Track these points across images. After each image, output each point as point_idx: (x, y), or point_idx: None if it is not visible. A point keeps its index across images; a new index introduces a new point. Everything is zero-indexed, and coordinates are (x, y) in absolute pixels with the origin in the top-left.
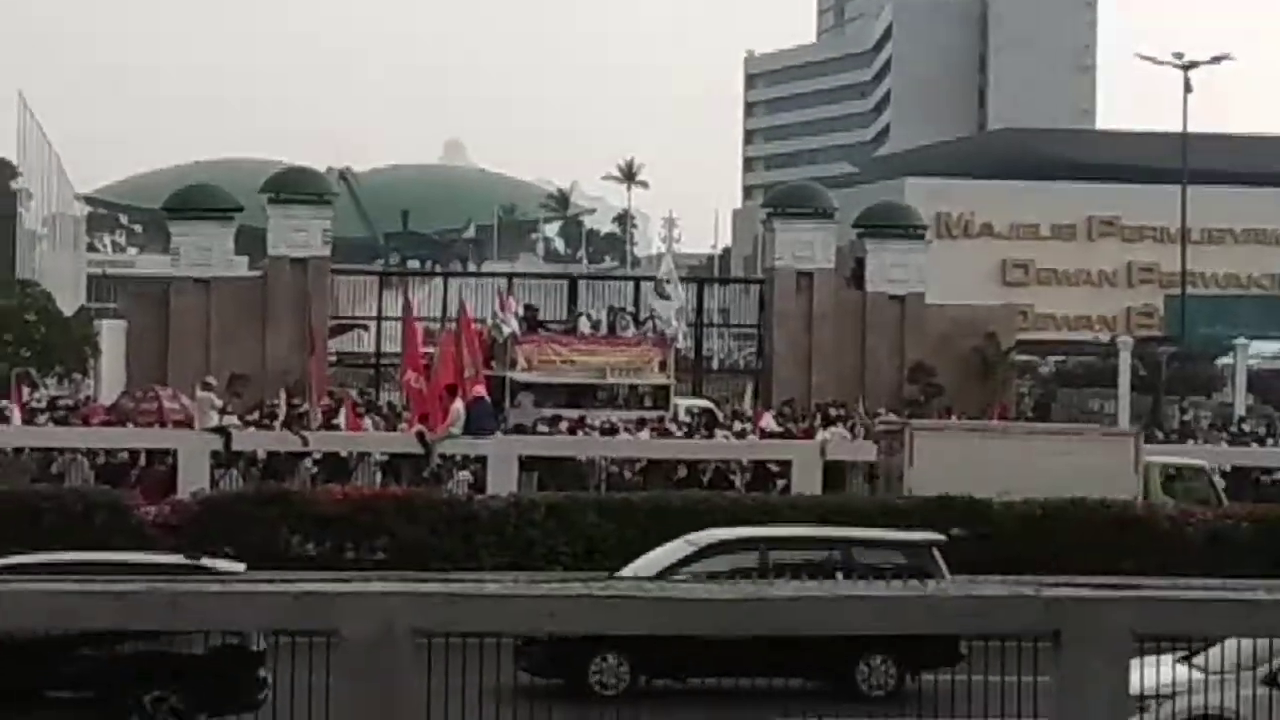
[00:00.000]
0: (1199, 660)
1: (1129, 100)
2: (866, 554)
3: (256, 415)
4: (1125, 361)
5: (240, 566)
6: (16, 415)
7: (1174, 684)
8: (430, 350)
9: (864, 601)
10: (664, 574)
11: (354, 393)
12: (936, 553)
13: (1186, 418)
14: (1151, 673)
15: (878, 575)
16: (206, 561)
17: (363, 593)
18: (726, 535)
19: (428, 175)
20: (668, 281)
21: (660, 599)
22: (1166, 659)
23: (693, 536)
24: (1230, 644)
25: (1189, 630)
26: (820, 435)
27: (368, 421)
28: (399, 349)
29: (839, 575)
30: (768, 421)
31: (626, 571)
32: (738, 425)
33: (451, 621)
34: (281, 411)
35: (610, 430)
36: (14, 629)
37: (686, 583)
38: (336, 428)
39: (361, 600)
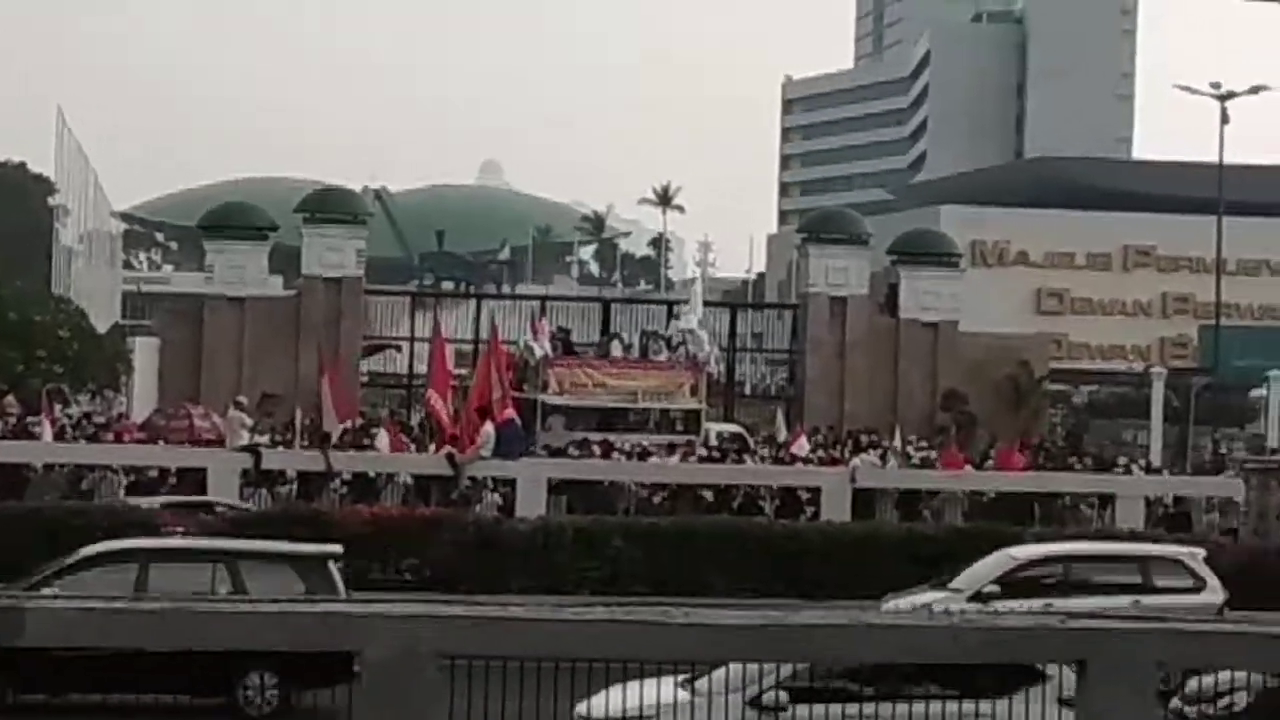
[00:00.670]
0: (700, 683)
1: (1167, 130)
2: (257, 570)
3: (289, 435)
4: (1158, 392)
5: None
6: (47, 431)
7: (659, 705)
8: (459, 372)
9: (889, 631)
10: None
11: (382, 411)
12: (333, 567)
13: (1222, 450)
14: (650, 692)
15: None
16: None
17: (386, 614)
18: (105, 548)
19: (464, 196)
20: (686, 303)
21: (683, 626)
22: (669, 680)
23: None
24: (734, 668)
25: (1214, 662)
26: (851, 462)
27: (412, 445)
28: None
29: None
30: (802, 445)
31: None
32: (768, 451)
33: (475, 645)
34: (298, 431)
35: (640, 454)
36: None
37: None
38: (365, 447)
39: (385, 622)
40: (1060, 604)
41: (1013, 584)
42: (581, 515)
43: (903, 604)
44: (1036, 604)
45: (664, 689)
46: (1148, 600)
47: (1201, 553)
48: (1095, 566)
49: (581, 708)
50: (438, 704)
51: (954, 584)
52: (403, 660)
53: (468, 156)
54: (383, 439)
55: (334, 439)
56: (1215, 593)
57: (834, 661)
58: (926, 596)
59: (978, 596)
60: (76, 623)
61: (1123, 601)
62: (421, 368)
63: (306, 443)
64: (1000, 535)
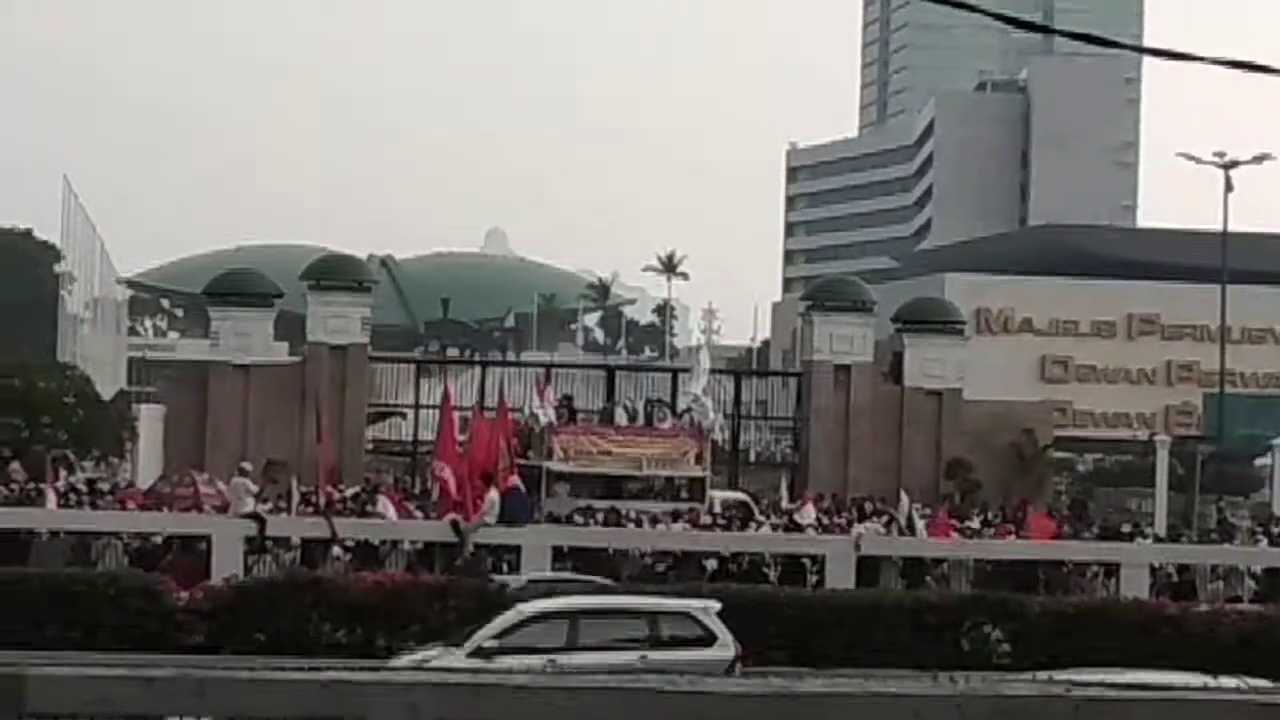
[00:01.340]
0: None
1: (1171, 197)
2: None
3: (291, 501)
4: (1163, 460)
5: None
6: (51, 498)
7: None
8: (464, 439)
9: (896, 701)
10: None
11: (386, 478)
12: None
13: (1227, 517)
14: None
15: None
16: None
17: (388, 682)
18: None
19: (469, 263)
20: (690, 370)
21: (688, 693)
22: None
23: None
24: None
25: None
26: (855, 530)
27: (418, 512)
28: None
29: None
30: (809, 513)
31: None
32: (773, 518)
33: (478, 712)
34: (295, 498)
35: (649, 521)
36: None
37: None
38: (369, 514)
39: (388, 690)
40: (566, 659)
41: (520, 639)
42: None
43: (403, 660)
44: (538, 660)
45: None
46: (655, 655)
47: (715, 606)
48: (604, 621)
49: None
50: None
51: (468, 641)
52: None
53: (473, 225)
54: (386, 506)
55: (332, 504)
56: (726, 648)
57: None
58: (431, 652)
59: (478, 652)
60: (79, 691)
61: (630, 656)
62: (425, 434)
63: (308, 509)
64: (1005, 603)
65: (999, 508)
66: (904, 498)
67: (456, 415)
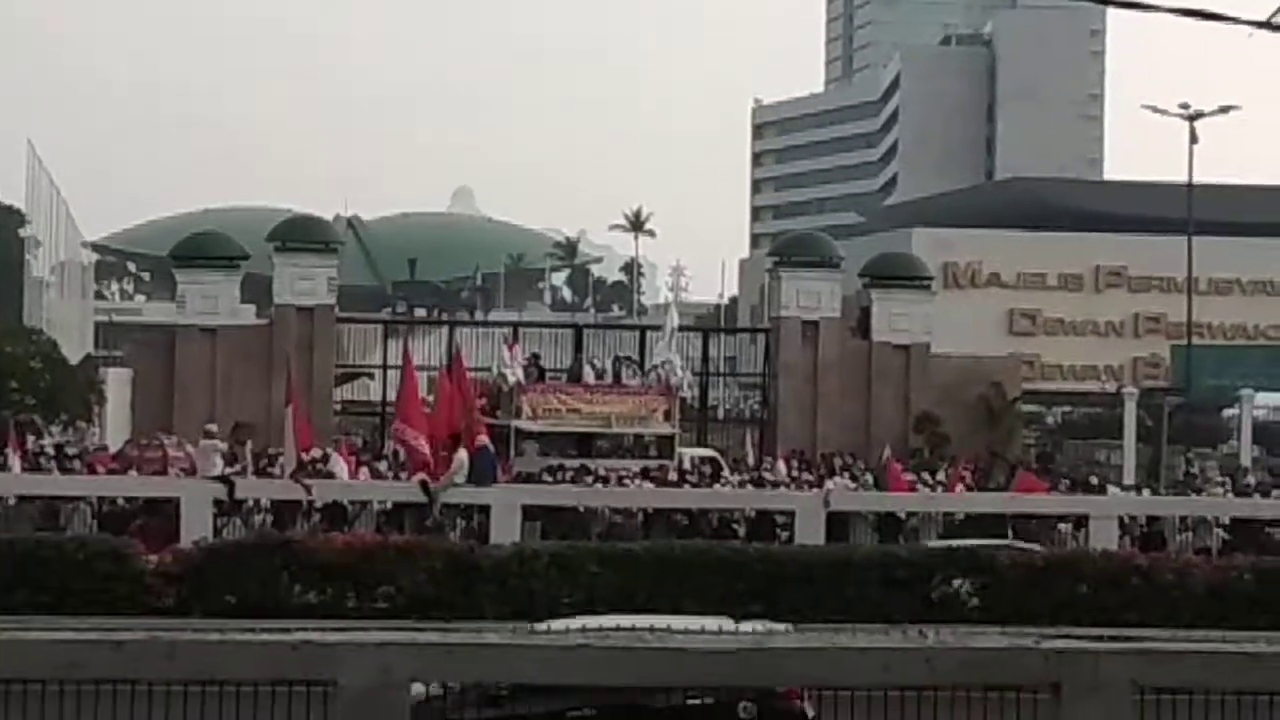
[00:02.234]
0: None
1: (1137, 150)
2: None
3: (258, 464)
4: (1131, 412)
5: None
6: (16, 463)
7: None
8: (430, 398)
9: (865, 654)
10: None
11: (355, 439)
12: None
13: (1193, 469)
14: None
15: None
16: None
17: (361, 643)
18: None
19: (436, 223)
20: (669, 334)
21: (660, 649)
22: None
23: None
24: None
25: (1191, 682)
26: (825, 485)
27: (365, 470)
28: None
29: None
30: (780, 470)
31: None
32: (742, 474)
33: (449, 672)
34: (249, 461)
35: (616, 480)
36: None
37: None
38: (330, 475)
39: (360, 650)
40: None
41: None
42: (556, 541)
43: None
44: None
45: None
46: None
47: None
48: None
49: None
50: None
51: None
52: (377, 688)
53: (439, 184)
54: (338, 465)
55: (303, 466)
56: None
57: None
58: None
59: None
60: (48, 655)
61: None
62: (394, 395)
63: (273, 469)
64: (975, 556)
65: (966, 461)
66: (887, 451)
67: (418, 375)
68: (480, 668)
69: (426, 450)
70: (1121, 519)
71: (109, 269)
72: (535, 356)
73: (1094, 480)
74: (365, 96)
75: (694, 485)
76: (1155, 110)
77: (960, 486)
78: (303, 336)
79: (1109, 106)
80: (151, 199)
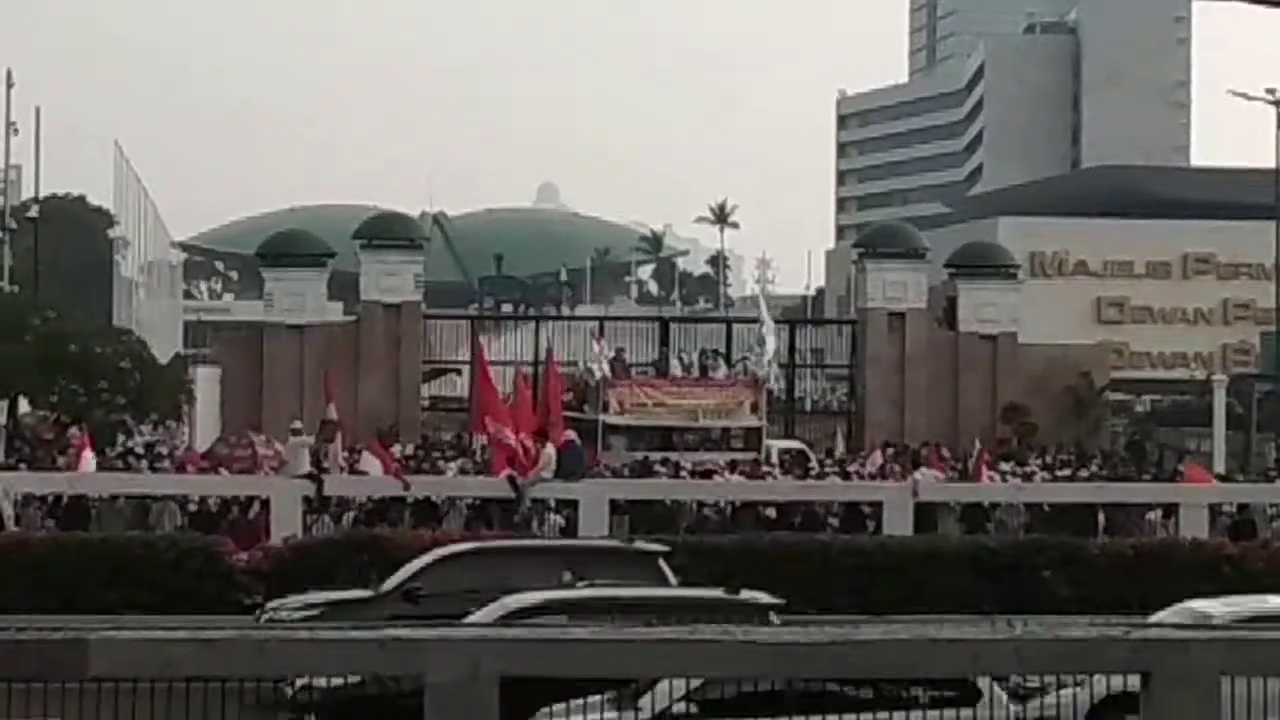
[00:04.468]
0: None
1: (1224, 136)
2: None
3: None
4: (1220, 399)
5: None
6: (90, 463)
7: None
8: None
9: (954, 645)
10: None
11: (443, 434)
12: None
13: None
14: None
15: None
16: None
17: (449, 638)
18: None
19: (521, 219)
20: (763, 324)
21: (748, 642)
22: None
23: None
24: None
25: (1276, 670)
26: (913, 476)
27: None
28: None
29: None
30: (875, 460)
31: None
32: (831, 466)
33: (537, 666)
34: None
35: (702, 473)
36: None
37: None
38: (362, 474)
39: (448, 646)
40: None
41: None
42: (644, 535)
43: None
44: None
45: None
46: None
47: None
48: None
49: None
50: None
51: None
52: (466, 683)
53: (525, 180)
54: (370, 461)
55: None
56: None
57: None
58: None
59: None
60: (141, 654)
61: None
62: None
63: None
64: (1064, 546)
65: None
66: (977, 445)
67: (501, 370)
68: (567, 662)
69: (514, 442)
70: (1212, 507)
71: (197, 268)
72: (621, 351)
73: (1181, 469)
74: (451, 93)
75: (782, 477)
76: (1241, 96)
77: (985, 476)
78: (390, 333)
79: (1195, 93)
80: (238, 198)
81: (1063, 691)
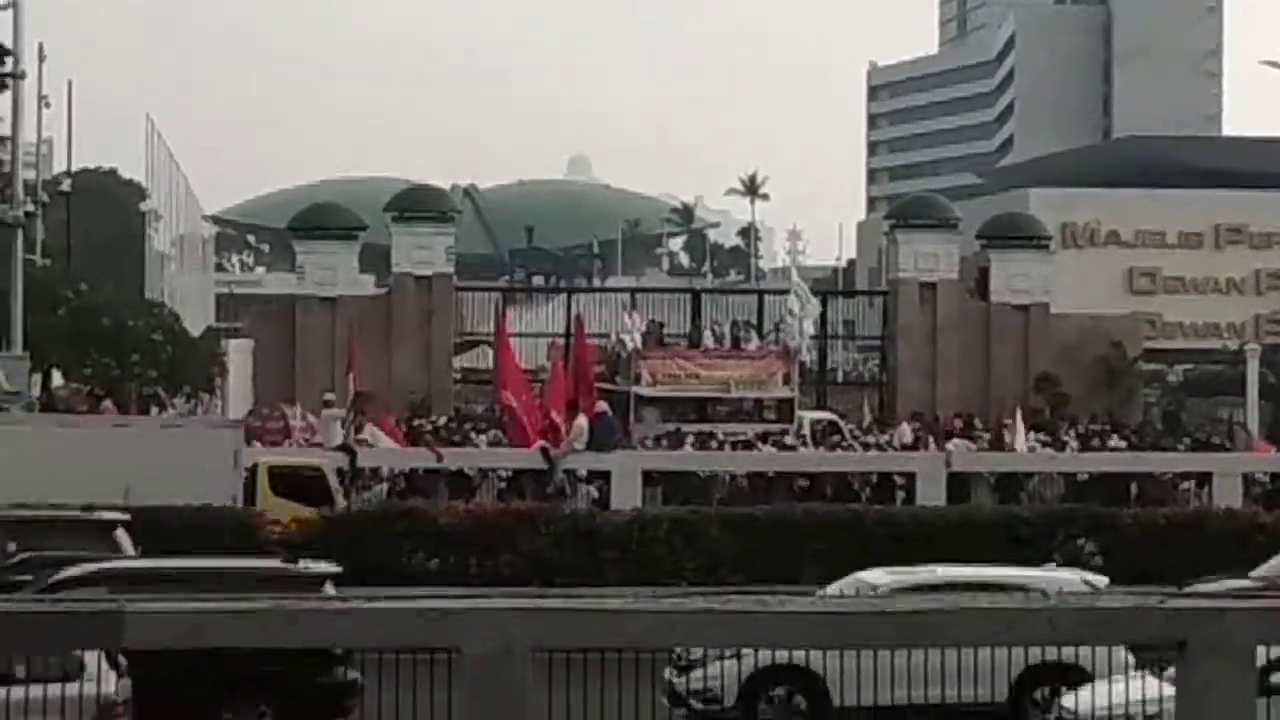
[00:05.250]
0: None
1: (1256, 106)
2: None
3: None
4: (1253, 369)
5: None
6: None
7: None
8: (530, 367)
9: (992, 614)
10: None
11: (475, 407)
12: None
13: None
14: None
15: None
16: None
17: (483, 609)
18: None
19: (552, 191)
20: (797, 295)
21: (778, 614)
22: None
23: None
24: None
25: None
26: (946, 446)
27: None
28: (526, 365)
29: None
30: (905, 432)
31: None
32: (863, 437)
33: (570, 637)
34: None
35: (742, 445)
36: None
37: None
38: (363, 443)
39: (482, 616)
40: None
41: None
42: (677, 506)
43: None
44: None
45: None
46: None
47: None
48: None
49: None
50: (536, 696)
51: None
52: (500, 654)
53: (556, 152)
54: (375, 434)
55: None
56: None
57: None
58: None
59: None
60: (175, 624)
61: None
62: (519, 361)
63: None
64: (1097, 516)
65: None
66: (1017, 415)
67: (523, 342)
68: (601, 632)
69: (525, 416)
70: (1245, 476)
71: (229, 241)
72: (654, 323)
73: (1216, 439)
74: (482, 65)
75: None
76: (1273, 65)
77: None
78: (421, 305)
79: (1227, 62)
80: (269, 172)
81: (724, 663)
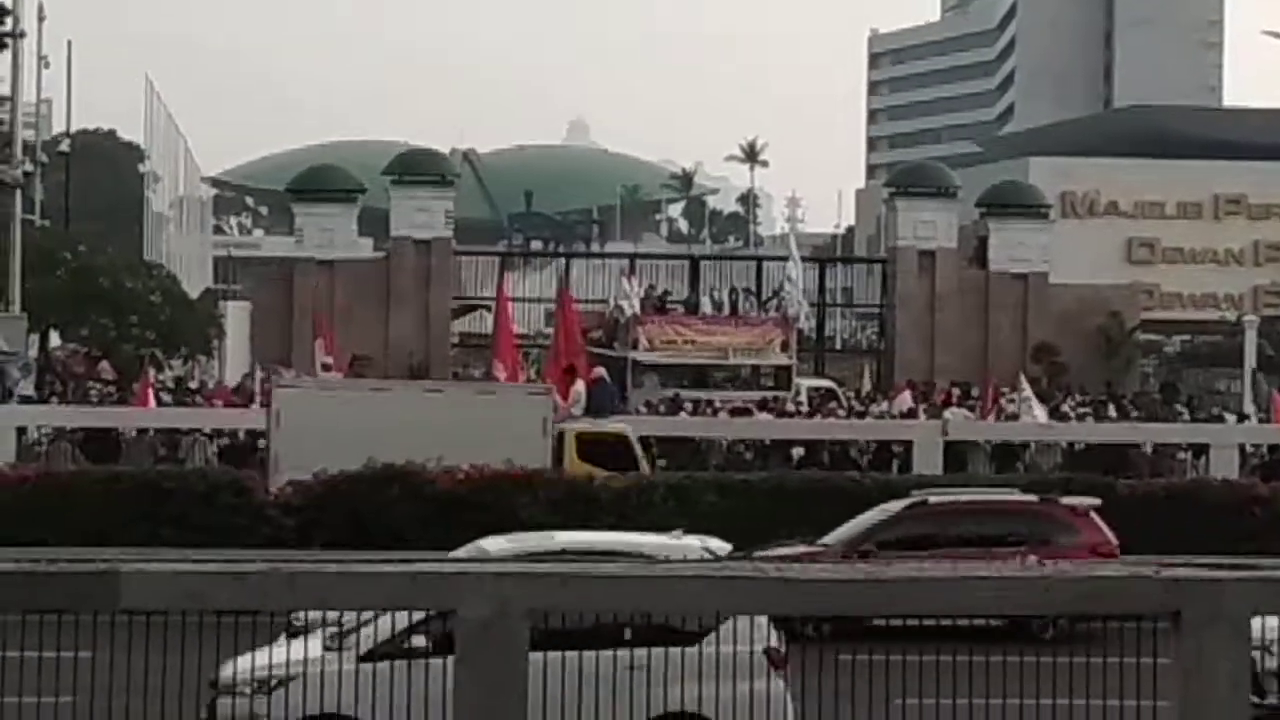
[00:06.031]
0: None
1: (1256, 77)
2: None
3: None
4: (1251, 340)
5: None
6: (152, 399)
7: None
8: (529, 333)
9: (983, 582)
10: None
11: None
12: None
13: None
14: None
15: None
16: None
17: (479, 574)
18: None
19: (551, 156)
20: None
21: (778, 580)
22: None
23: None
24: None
25: None
26: (943, 415)
27: None
28: (522, 330)
29: None
30: (904, 400)
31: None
32: (860, 405)
33: (566, 602)
34: None
35: (741, 410)
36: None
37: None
38: None
39: (477, 581)
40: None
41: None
42: (674, 471)
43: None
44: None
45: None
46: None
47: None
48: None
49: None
50: (529, 660)
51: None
52: (496, 618)
53: (555, 117)
54: None
55: None
56: None
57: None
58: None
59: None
60: (172, 587)
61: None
62: (514, 328)
63: None
64: (1092, 484)
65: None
66: (1023, 381)
67: (520, 307)
68: (596, 598)
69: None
70: (1242, 447)
71: (227, 204)
72: (653, 288)
73: (1215, 410)
74: (481, 30)
75: (810, 416)
76: (1274, 35)
77: (992, 417)
78: (419, 269)
79: (1228, 33)
80: (268, 134)
81: (376, 625)
